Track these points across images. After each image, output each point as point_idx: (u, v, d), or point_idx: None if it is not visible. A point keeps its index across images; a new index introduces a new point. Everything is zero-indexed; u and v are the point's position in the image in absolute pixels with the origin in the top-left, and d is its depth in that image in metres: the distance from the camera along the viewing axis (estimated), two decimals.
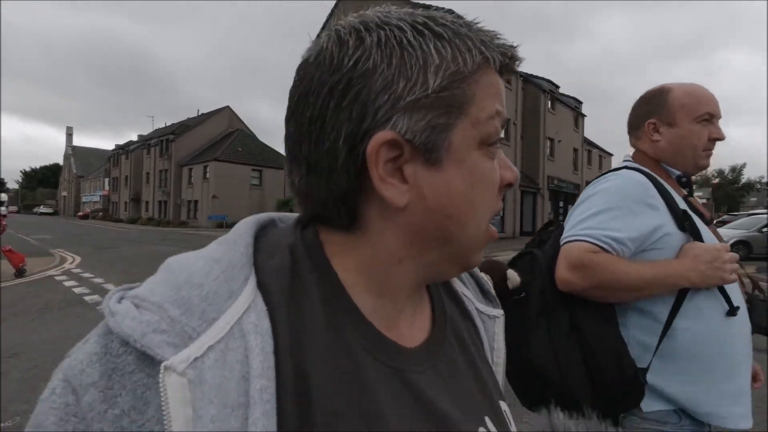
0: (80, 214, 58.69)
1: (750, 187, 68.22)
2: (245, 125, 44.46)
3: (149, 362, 0.32)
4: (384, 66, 0.37)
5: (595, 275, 1.03)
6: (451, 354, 0.47)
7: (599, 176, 1.23)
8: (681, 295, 1.04)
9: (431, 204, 0.40)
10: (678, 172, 1.22)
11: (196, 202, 37.08)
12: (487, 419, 0.45)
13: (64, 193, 74.94)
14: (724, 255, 1.04)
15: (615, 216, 1.07)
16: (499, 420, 0.47)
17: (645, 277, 1.02)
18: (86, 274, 9.84)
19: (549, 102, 27.59)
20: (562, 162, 29.48)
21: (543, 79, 28.03)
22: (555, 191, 29.13)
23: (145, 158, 45.82)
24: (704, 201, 48.97)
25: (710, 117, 1.17)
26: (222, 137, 40.47)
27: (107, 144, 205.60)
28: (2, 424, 3.09)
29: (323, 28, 22.92)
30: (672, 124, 1.19)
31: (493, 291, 0.58)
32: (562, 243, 1.12)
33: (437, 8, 0.33)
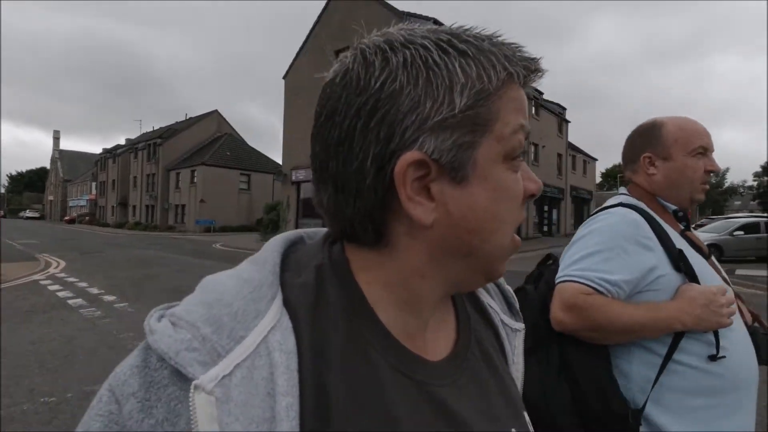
0: (67, 218, 58.05)
1: (733, 191, 69.61)
2: (234, 129, 44.49)
3: (181, 377, 0.34)
4: (411, 87, 0.38)
5: (588, 317, 1.03)
6: (476, 366, 0.48)
7: (594, 213, 1.22)
8: (678, 336, 1.03)
9: (457, 220, 0.40)
10: (674, 207, 1.21)
11: (183, 206, 37.00)
12: (513, 431, 0.46)
13: (51, 198, 74.05)
14: (721, 298, 1.02)
15: (609, 258, 1.06)
16: (524, 430, 0.48)
17: (638, 320, 1.02)
18: (71, 279, 9.99)
19: (533, 108, 28.12)
20: (546, 167, 30.00)
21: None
22: (539, 196, 29.62)
23: (133, 162, 45.65)
24: None
25: (704, 150, 1.18)
26: (210, 141, 40.46)
27: (95, 148, 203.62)
28: None
29: (313, 28, 23.26)
30: (667, 158, 1.20)
31: (517, 305, 0.60)
32: (556, 282, 1.11)
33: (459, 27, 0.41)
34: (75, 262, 13.14)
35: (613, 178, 75.95)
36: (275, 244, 0.45)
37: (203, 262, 12.83)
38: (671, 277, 1.06)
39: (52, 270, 11.46)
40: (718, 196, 68.01)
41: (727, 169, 71.56)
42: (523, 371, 0.58)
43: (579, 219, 33.21)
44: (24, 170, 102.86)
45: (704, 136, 1.20)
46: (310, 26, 23.09)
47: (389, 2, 20.12)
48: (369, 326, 0.41)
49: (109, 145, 59.44)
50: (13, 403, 3.53)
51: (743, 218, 16.64)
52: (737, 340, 1.06)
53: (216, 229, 32.71)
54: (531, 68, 0.41)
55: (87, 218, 53.03)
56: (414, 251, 0.42)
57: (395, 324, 0.42)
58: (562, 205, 32.49)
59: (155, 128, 50.32)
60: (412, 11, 20.86)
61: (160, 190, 39.62)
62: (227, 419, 0.32)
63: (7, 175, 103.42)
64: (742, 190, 68.50)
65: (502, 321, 0.56)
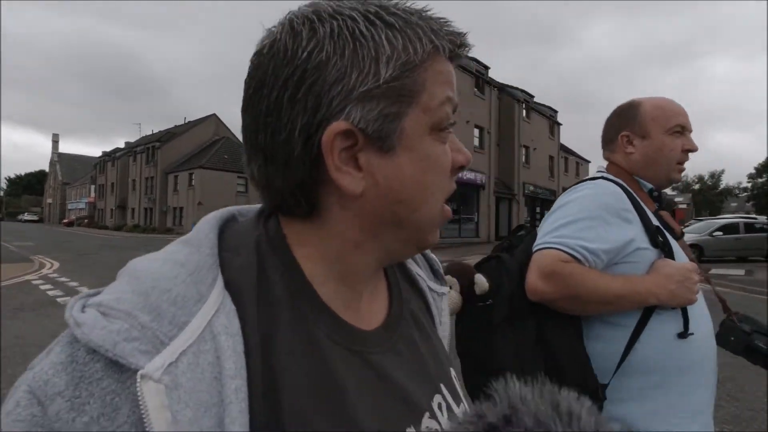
0: (65, 221, 58.41)
1: (728, 192, 69.95)
2: (231, 133, 44.80)
3: (117, 369, 0.32)
4: (337, 57, 0.38)
5: (566, 285, 1.01)
6: (408, 332, 0.50)
7: (575, 184, 1.22)
8: (647, 312, 1.03)
9: (384, 190, 0.41)
10: (650, 186, 1.22)
11: (181, 209, 37.34)
12: (442, 386, 0.50)
13: (50, 201, 74.52)
14: (695, 275, 1.04)
15: (589, 226, 1.05)
16: (450, 385, 0.52)
17: (615, 291, 1.01)
18: (62, 279, 10.28)
19: (524, 111, 28.49)
20: (538, 169, 30.38)
21: (518, 89, 28.97)
22: (531, 197, 30.00)
23: (132, 165, 46.11)
24: (684, 206, 50.16)
25: (682, 129, 1.18)
26: (208, 145, 40.83)
27: (94, 151, 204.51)
28: None
29: None
30: (645, 137, 1.19)
31: (441, 270, 0.64)
32: (534, 250, 1.09)
33: None
34: (68, 264, 13.42)
35: None
36: (208, 224, 0.44)
37: None
38: (648, 251, 1.07)
39: (45, 271, 11.74)
40: (713, 198, 68.34)
41: (723, 171, 72.00)
42: (450, 331, 0.62)
43: None
44: (23, 173, 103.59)
45: (682, 115, 1.19)
46: None
47: None
48: (310, 304, 0.42)
49: (108, 148, 60.04)
50: None
51: (723, 219, 16.92)
52: (700, 318, 1.07)
53: None
54: (457, 42, 0.42)
55: (86, 221, 53.41)
56: (346, 222, 0.42)
57: (333, 297, 0.43)
58: None
59: (154, 131, 50.87)
60: None
61: (159, 193, 40.01)
62: (177, 406, 0.32)
63: (5, 178, 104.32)
64: (737, 192, 68.77)
65: (428, 287, 0.59)
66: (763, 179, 52.89)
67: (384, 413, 0.42)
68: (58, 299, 7.92)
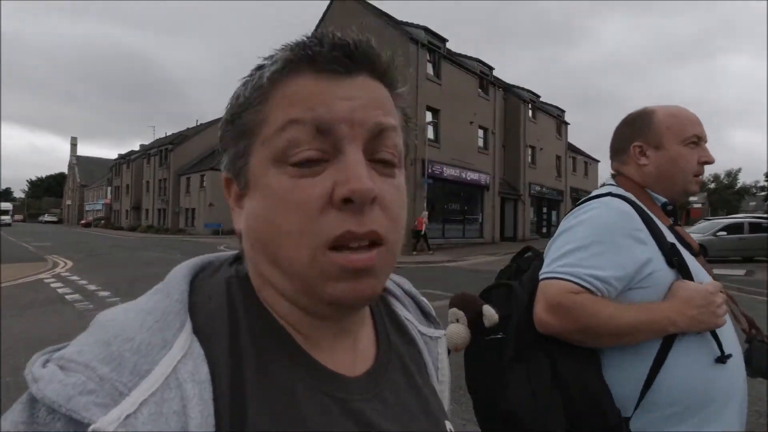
0: (83, 222, 60.02)
1: (745, 191, 68.45)
2: None
3: (79, 425, 0.30)
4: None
5: (576, 319, 0.95)
6: (395, 380, 0.47)
7: (581, 203, 1.13)
8: (669, 339, 0.95)
9: (247, 231, 0.41)
10: (663, 200, 1.13)
11: (193, 210, 38.09)
12: None
13: (69, 202, 76.35)
14: (717, 298, 0.96)
15: (599, 252, 0.98)
16: None
17: (630, 321, 0.94)
18: (73, 277, 10.75)
19: (530, 111, 28.44)
20: (544, 169, 30.24)
21: (524, 89, 28.92)
22: (537, 197, 29.90)
23: (146, 167, 47.13)
24: (700, 205, 49.31)
25: (698, 140, 1.11)
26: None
27: (110, 153, 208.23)
28: None
29: (316, 28, 23.61)
30: (659, 147, 1.12)
31: (433, 312, 0.60)
32: (540, 278, 1.02)
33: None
34: (81, 262, 13.94)
35: None
36: (180, 272, 0.42)
37: None
38: (664, 272, 0.99)
39: (58, 270, 12.25)
40: (730, 197, 66.95)
41: (739, 170, 70.45)
42: (449, 375, 0.58)
43: None
44: (43, 176, 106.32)
45: (697, 124, 1.12)
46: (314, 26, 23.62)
47: (387, 11, 20.65)
48: (283, 348, 0.40)
49: (124, 151, 61.37)
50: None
51: (727, 219, 16.73)
52: (729, 339, 0.99)
53: (224, 232, 33.60)
54: (313, 48, 0.38)
55: (102, 222, 54.78)
56: (253, 260, 0.42)
57: (310, 341, 0.42)
58: (561, 207, 32.65)
59: (167, 134, 51.87)
60: (417, 15, 21.30)
61: (171, 194, 40.86)
62: None
63: (27, 181, 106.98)
64: (754, 191, 67.33)
65: (419, 332, 0.56)
66: None
67: None
68: (67, 296, 8.34)
